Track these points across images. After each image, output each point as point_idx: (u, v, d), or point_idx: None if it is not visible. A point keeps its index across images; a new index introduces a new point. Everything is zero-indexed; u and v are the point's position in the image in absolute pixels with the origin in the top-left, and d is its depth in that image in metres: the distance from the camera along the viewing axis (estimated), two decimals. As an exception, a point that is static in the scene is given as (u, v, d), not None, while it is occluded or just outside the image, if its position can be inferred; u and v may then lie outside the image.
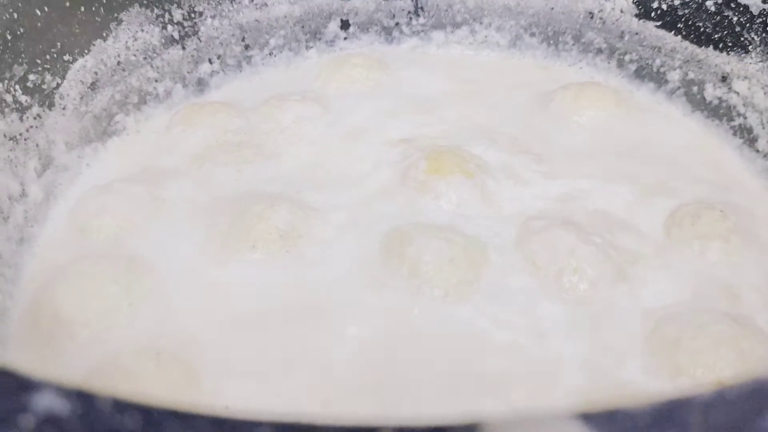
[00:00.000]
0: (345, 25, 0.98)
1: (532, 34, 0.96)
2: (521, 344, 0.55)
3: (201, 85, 0.91)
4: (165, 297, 0.60)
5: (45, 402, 0.21)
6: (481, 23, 0.98)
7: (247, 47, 0.94)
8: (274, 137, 0.78)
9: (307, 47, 0.97)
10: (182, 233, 0.66)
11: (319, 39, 0.97)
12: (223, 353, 0.55)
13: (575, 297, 0.58)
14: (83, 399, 0.21)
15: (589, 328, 0.56)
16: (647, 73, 0.89)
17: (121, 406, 0.20)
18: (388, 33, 0.99)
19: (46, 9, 0.72)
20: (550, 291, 0.58)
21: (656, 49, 0.88)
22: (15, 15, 0.68)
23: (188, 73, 0.90)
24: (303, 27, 0.96)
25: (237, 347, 0.56)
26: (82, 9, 0.77)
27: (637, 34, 0.89)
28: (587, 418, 0.19)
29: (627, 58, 0.90)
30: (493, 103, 0.84)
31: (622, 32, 0.90)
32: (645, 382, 0.51)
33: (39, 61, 0.72)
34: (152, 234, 0.66)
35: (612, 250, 0.61)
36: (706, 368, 0.50)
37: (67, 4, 0.75)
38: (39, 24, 0.71)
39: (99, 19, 0.79)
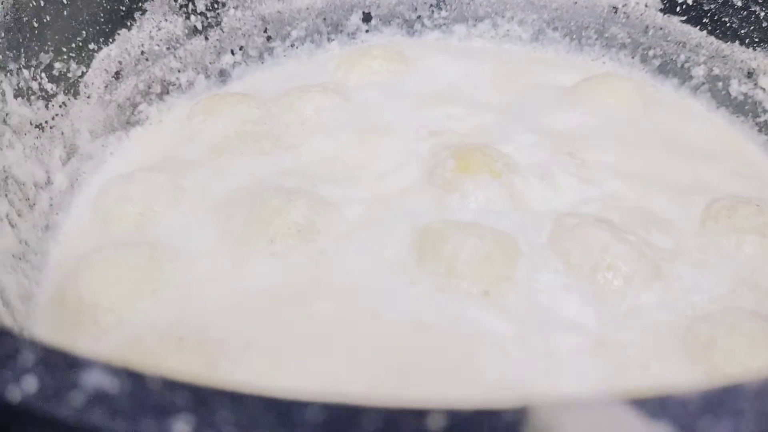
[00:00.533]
0: (367, 17, 0.98)
1: (555, 29, 0.96)
2: (556, 341, 0.55)
3: (223, 76, 0.91)
4: (186, 285, 0.60)
5: (94, 379, 0.21)
6: (503, 17, 0.98)
7: (269, 39, 0.94)
8: (294, 128, 0.78)
9: (329, 39, 0.97)
10: (202, 223, 0.66)
11: (341, 31, 0.97)
12: (242, 340, 0.55)
13: (609, 294, 0.57)
14: (132, 377, 0.21)
15: (623, 326, 0.55)
16: (671, 69, 0.88)
17: (171, 385, 0.20)
18: (409, 26, 0.99)
19: (72, -3, 0.72)
20: (583, 288, 0.58)
21: (681, 45, 0.87)
22: (41, 3, 0.69)
23: (210, 63, 0.90)
24: (325, 19, 0.96)
25: (255, 335, 0.56)
26: (108, -2, 0.77)
27: (661, 29, 0.88)
28: (638, 403, 0.19)
29: (651, 53, 0.90)
30: (519, 97, 0.84)
31: (647, 27, 0.90)
32: (680, 381, 0.51)
33: (65, 50, 0.73)
34: (173, 222, 0.66)
35: (646, 247, 0.60)
36: (743, 367, 0.50)
37: (93, -8, 0.75)
38: (65, 12, 0.72)
39: (123, 9, 0.80)
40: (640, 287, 0.57)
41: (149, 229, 0.65)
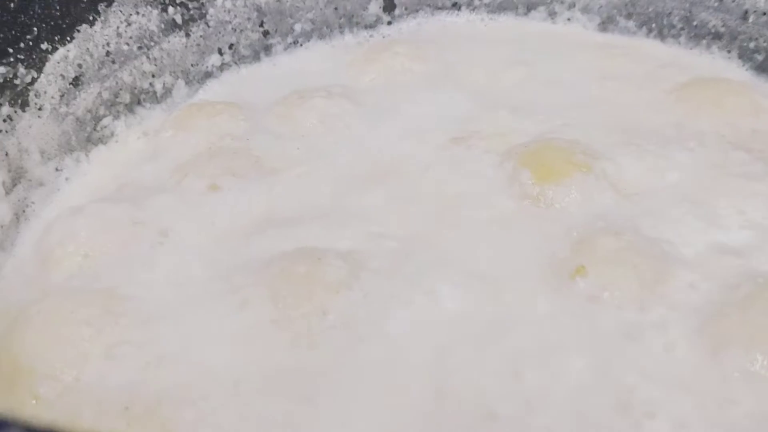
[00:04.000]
0: (389, 5, 0.98)
1: (629, 16, 0.95)
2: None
3: (208, 80, 0.92)
4: (152, 342, 0.59)
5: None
6: (562, 3, 0.97)
7: (266, 34, 0.94)
8: (285, 145, 0.78)
9: (341, 33, 0.97)
10: (173, 266, 0.65)
11: (357, 24, 0.97)
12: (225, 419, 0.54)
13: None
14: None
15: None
16: (780, 66, 0.86)
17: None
18: (443, 16, 0.99)
19: (20, -13, 0.73)
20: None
21: (792, 34, 0.85)
22: (-19, -7, 0.70)
23: (193, 66, 0.91)
24: (336, 8, 0.97)
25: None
26: (65, -13, 0.78)
27: (765, 14, 0.86)
28: None
29: (752, 45, 0.87)
30: (581, 99, 0.83)
31: (746, 12, 0.87)
32: None
33: (11, 51, 0.73)
34: (133, 265, 0.66)
35: None
36: None
37: (47, -20, 0.76)
38: (12, 5, 0.73)
39: (84, 0, 0.80)
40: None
41: (102, 274, 0.65)
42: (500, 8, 0.98)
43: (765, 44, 0.87)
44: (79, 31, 0.80)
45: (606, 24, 0.95)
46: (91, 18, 0.81)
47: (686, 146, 0.74)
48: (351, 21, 0.97)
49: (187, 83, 0.90)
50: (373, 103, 0.83)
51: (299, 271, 0.62)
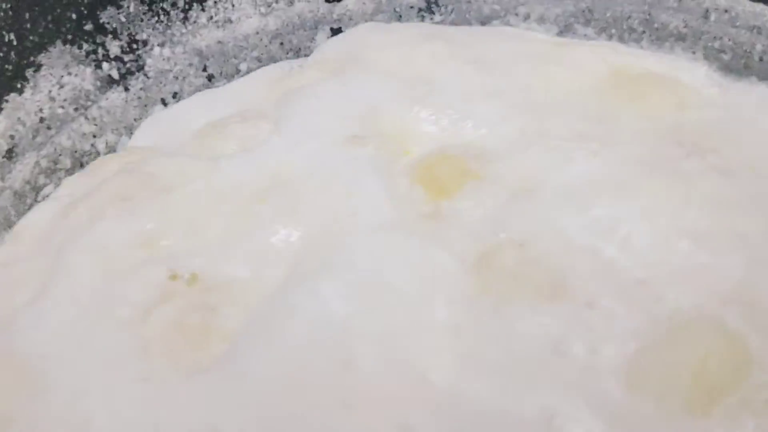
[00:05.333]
0: (337, 34, 0.94)
1: (587, 23, 0.90)
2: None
3: (154, 132, 0.88)
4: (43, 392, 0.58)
5: None
6: (516, 15, 0.93)
7: (210, 78, 0.91)
8: (186, 167, 0.74)
9: (291, 68, 0.93)
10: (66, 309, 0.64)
11: (306, 56, 0.93)
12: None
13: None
14: None
15: None
16: (746, 64, 0.82)
17: None
18: (393, 39, 0.95)
19: (-63, 62, 0.71)
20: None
21: (755, 30, 0.82)
22: None
23: (136, 120, 0.87)
24: (282, 43, 0.93)
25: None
26: (-13, 57, 0.75)
27: (726, 11, 0.83)
28: None
29: (717, 44, 0.84)
30: (500, 84, 0.79)
31: (707, 11, 0.84)
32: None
33: (-66, 133, 0.71)
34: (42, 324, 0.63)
35: None
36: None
37: (-34, 52, 0.73)
38: (-71, 85, 0.71)
39: (10, 67, 0.78)
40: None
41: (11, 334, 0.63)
42: (453, 25, 0.94)
43: (730, 42, 0.83)
44: (7, 101, 0.77)
45: (564, 33, 0.91)
46: (18, 86, 0.78)
47: (604, 141, 0.71)
48: (299, 54, 0.94)
49: (130, 138, 0.86)
50: (286, 116, 0.79)
51: (193, 322, 0.62)
